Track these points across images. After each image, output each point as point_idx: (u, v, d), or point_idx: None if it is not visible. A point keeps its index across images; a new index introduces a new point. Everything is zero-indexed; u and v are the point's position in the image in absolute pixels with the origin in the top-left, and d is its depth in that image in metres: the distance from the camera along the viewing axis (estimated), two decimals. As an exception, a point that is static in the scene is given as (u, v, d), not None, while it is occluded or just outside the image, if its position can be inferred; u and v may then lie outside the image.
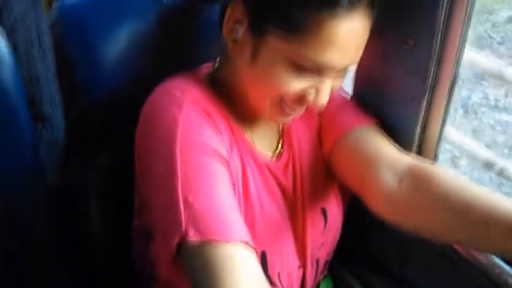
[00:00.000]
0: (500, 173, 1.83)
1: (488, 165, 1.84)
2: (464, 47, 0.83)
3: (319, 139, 0.96)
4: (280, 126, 0.94)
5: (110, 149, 0.95)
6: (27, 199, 0.87)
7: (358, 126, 0.91)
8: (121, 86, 0.93)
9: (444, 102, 0.88)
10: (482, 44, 3.61)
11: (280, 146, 0.93)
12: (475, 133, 2.90)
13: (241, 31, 0.78)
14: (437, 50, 0.83)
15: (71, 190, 0.97)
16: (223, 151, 0.78)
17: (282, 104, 0.80)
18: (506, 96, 3.17)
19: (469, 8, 0.80)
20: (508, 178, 1.87)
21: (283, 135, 0.94)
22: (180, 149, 0.72)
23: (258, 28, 0.76)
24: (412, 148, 0.92)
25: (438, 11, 0.80)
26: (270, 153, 0.91)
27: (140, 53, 0.93)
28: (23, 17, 1.18)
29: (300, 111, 0.84)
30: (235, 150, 0.83)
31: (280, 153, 0.92)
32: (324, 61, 0.74)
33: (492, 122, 3.00)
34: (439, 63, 0.84)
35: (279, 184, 0.91)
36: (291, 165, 0.93)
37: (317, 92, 0.78)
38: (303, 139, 0.95)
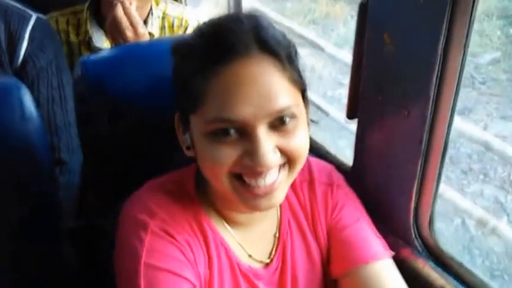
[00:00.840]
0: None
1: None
2: (454, 114, 0.92)
3: (325, 254, 0.97)
4: (276, 234, 0.94)
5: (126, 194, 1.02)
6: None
7: (375, 259, 0.92)
8: (139, 136, 1.00)
9: (438, 163, 0.95)
10: (465, 83, 3.78)
11: (272, 254, 0.93)
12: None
13: (188, 137, 0.82)
14: (429, 118, 0.91)
15: (89, 232, 1.03)
16: (188, 273, 0.79)
17: (237, 181, 0.79)
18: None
19: (459, 79, 0.88)
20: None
21: (278, 244, 0.93)
22: (144, 272, 0.77)
23: (186, 121, 0.81)
24: (411, 204, 0.99)
25: (430, 84, 0.88)
26: (260, 260, 0.91)
27: (159, 106, 1.00)
28: (47, 68, 1.27)
29: (262, 182, 0.78)
30: (214, 257, 0.85)
31: (270, 261, 0.92)
32: (227, 116, 0.74)
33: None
34: (432, 129, 0.92)
35: None
36: (277, 275, 0.92)
37: (251, 154, 0.75)
38: (299, 252, 0.94)
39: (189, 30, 1.54)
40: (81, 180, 1.30)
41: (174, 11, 1.57)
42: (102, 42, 1.49)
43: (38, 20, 1.27)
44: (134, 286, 0.76)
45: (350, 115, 1.11)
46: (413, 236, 1.04)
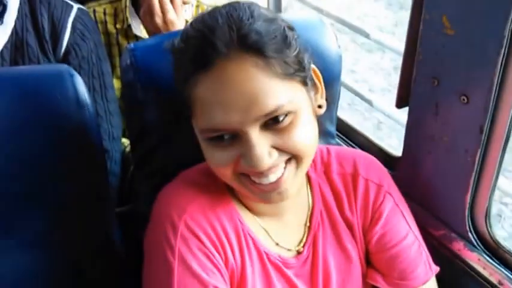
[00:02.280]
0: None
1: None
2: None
3: (363, 255, 0.95)
4: (307, 223, 0.92)
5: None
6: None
7: (421, 283, 0.92)
8: (187, 124, 0.98)
9: (499, 153, 0.91)
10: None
11: (301, 243, 0.91)
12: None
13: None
14: (491, 106, 0.87)
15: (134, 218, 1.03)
16: (216, 280, 0.79)
17: (245, 178, 0.78)
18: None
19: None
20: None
21: (308, 233, 0.91)
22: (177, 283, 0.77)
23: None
24: (467, 196, 0.96)
25: (494, 70, 0.84)
26: (288, 248, 0.90)
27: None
28: (87, 57, 1.27)
29: (266, 180, 0.77)
30: (244, 248, 0.84)
31: (300, 251, 0.91)
32: (214, 126, 0.73)
33: None
34: (493, 118, 0.88)
35: (288, 282, 0.88)
36: (308, 265, 0.90)
37: (246, 158, 0.74)
38: (331, 244, 0.92)
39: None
40: (121, 168, 1.31)
41: (208, 0, 1.56)
42: (141, 30, 1.48)
43: (79, 10, 1.27)
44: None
45: (400, 103, 1.07)
46: (468, 228, 1.01)
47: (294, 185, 0.79)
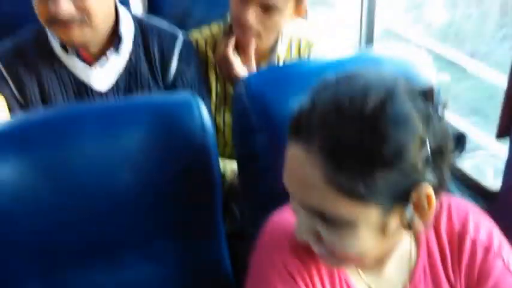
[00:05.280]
0: None
1: None
2: None
3: None
4: (408, 280, 0.87)
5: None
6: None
7: None
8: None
9: None
10: None
11: None
12: None
13: None
14: None
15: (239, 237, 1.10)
16: None
17: None
18: None
19: None
20: None
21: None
22: None
23: None
24: None
25: None
26: None
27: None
28: (191, 84, 1.38)
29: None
30: None
31: None
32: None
33: None
34: None
35: None
36: None
37: None
38: None
39: (313, 52, 1.58)
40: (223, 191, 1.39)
41: (302, 32, 1.61)
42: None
43: (184, 40, 1.40)
44: None
45: (501, 133, 1.07)
46: None
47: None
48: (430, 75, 1.10)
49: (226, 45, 1.44)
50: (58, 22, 1.17)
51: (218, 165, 1.02)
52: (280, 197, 0.95)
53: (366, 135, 0.63)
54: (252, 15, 1.35)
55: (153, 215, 1.00)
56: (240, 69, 1.43)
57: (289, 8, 1.39)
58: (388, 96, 0.65)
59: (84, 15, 1.18)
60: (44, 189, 0.92)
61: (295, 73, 1.08)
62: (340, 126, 0.65)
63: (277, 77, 1.08)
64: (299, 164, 0.68)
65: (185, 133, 0.96)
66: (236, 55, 1.44)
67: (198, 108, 0.97)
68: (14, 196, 0.91)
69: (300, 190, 0.70)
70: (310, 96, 0.70)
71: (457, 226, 0.87)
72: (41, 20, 1.21)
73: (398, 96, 0.66)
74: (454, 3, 4.34)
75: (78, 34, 1.20)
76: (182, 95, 1.04)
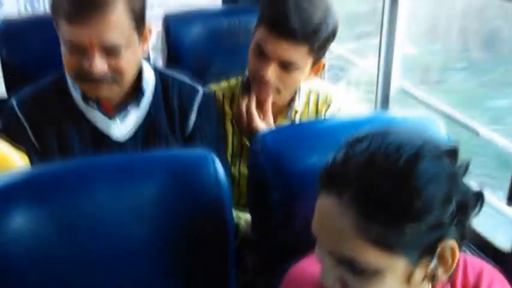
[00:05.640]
0: None
1: None
2: None
3: None
4: None
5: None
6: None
7: None
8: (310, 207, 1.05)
9: None
10: None
11: None
12: None
13: None
14: None
15: None
16: None
17: None
18: None
19: None
20: None
21: None
22: None
23: None
24: None
25: None
26: None
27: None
28: (210, 140, 1.38)
29: None
30: None
31: None
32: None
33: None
34: None
35: None
36: None
37: None
38: None
39: (331, 108, 1.59)
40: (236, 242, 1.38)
41: (320, 87, 1.63)
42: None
43: (204, 94, 1.40)
44: None
45: (512, 198, 1.06)
46: None
47: None
48: (443, 136, 1.10)
49: (249, 100, 1.46)
50: (88, 79, 1.17)
51: (232, 219, 1.02)
52: (294, 250, 0.96)
53: (399, 189, 0.67)
54: (272, 72, 1.37)
55: (166, 266, 1.01)
56: (260, 123, 1.44)
57: (308, 66, 1.41)
58: (419, 153, 0.69)
59: (117, 75, 1.19)
60: (59, 240, 0.93)
61: (311, 132, 1.10)
62: (374, 179, 0.68)
63: (293, 135, 1.10)
64: (331, 213, 0.71)
65: (199, 189, 0.97)
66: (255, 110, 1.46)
67: (214, 164, 0.98)
68: (28, 246, 0.91)
69: (330, 239, 0.72)
70: (343, 150, 0.73)
71: (471, 282, 0.88)
72: (69, 73, 1.22)
73: (428, 154, 0.69)
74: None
75: (107, 91, 1.21)
76: (198, 151, 1.05)
